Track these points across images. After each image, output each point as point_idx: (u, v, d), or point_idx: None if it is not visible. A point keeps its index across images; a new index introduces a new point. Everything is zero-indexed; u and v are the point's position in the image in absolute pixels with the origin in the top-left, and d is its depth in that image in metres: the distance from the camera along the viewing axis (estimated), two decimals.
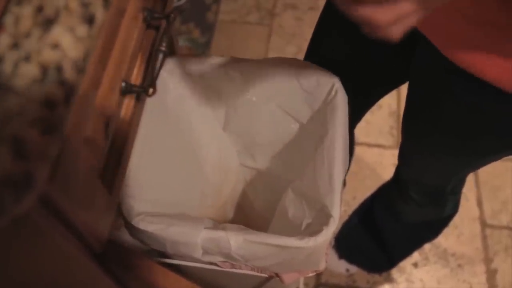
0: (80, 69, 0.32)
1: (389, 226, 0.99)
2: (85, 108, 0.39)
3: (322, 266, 0.64)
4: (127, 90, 0.46)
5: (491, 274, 1.16)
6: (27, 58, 0.30)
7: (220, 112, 0.78)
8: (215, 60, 0.72)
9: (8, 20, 0.32)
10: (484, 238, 1.21)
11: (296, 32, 1.54)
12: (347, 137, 0.65)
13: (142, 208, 0.59)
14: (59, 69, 0.31)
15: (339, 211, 0.59)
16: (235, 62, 0.73)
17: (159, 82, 0.62)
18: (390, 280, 1.17)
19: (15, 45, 0.31)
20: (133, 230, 0.59)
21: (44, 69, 0.30)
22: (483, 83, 0.50)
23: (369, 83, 0.76)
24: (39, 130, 0.29)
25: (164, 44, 0.49)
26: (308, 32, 0.77)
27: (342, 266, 1.15)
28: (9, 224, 0.30)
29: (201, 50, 1.49)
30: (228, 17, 1.60)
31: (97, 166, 0.43)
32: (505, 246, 1.20)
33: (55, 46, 0.31)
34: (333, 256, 1.15)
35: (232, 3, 1.64)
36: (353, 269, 1.15)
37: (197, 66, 0.72)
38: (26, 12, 0.32)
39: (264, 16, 1.59)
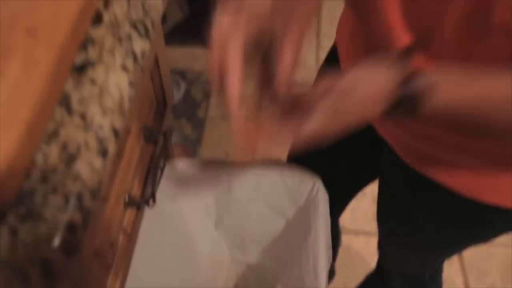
0: (95, 195, 0.39)
1: None
2: (95, 224, 0.45)
3: None
4: (130, 203, 0.53)
5: None
6: (54, 190, 0.37)
7: (212, 212, 0.84)
8: (206, 164, 0.79)
9: (39, 158, 0.39)
10: None
11: None
12: (329, 233, 0.71)
13: None
14: (79, 197, 0.38)
15: None
16: (225, 165, 0.80)
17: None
18: None
19: (44, 179, 0.38)
20: None
21: (67, 198, 0.37)
22: (439, 186, 0.57)
23: (348, 179, 0.83)
24: (62, 252, 0.35)
25: (162, 161, 0.57)
26: None
27: None
28: None
29: (193, 146, 1.58)
30: (218, 112, 1.71)
31: (104, 275, 0.48)
32: None
33: (77, 178, 0.38)
34: None
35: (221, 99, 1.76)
36: None
37: (189, 170, 0.79)
38: (54, 150, 0.39)
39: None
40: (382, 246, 0.83)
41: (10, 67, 0.39)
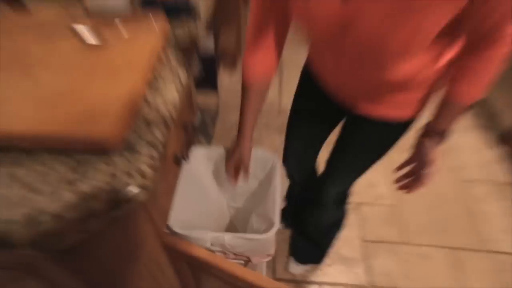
0: (162, 150, 0.56)
1: (316, 231, 1.10)
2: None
3: (272, 251, 0.83)
4: (176, 160, 0.69)
5: None
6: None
7: (219, 178, 1.00)
8: (215, 150, 0.95)
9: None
10: None
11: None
12: (280, 186, 0.86)
13: (178, 223, 0.79)
14: (156, 147, 0.54)
15: (278, 220, 0.79)
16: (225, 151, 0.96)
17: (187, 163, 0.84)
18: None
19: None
20: (174, 234, 0.78)
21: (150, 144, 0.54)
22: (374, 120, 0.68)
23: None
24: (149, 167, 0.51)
25: (191, 144, 0.73)
26: None
27: (300, 269, 1.21)
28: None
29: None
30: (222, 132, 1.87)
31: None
32: None
33: (154, 137, 0.55)
34: (293, 263, 1.22)
35: (220, 125, 1.92)
36: (307, 268, 1.21)
37: (206, 153, 0.95)
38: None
39: None
40: (328, 173, 0.88)
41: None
